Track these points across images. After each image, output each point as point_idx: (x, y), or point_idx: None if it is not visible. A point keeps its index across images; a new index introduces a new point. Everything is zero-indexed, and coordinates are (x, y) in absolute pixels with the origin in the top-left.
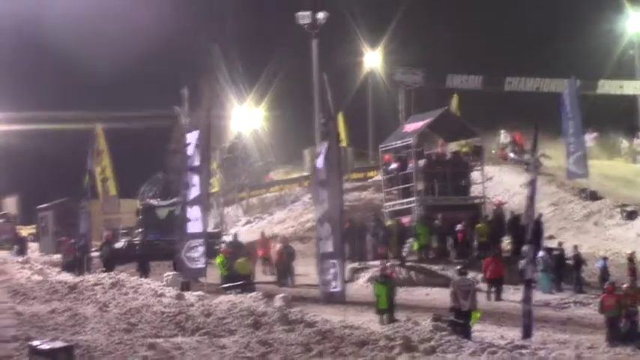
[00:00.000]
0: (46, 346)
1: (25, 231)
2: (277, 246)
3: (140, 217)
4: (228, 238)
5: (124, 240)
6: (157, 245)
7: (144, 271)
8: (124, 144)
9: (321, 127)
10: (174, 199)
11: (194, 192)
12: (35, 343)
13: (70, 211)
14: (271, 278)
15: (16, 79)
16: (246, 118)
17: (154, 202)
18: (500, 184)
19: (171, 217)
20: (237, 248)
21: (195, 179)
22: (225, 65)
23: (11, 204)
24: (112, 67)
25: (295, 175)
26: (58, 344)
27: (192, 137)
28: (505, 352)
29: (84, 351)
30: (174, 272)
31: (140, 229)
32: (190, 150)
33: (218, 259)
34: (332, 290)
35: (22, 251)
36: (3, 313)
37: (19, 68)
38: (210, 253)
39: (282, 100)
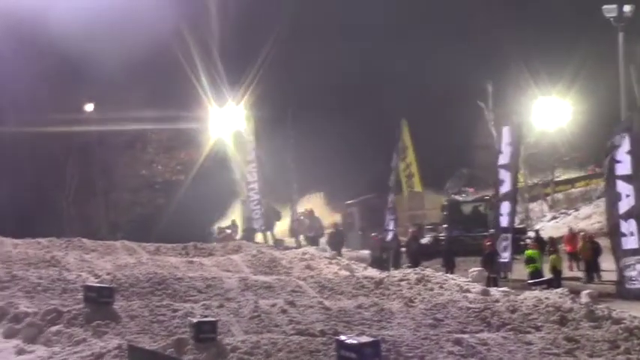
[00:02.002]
0: (353, 341)
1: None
2: (584, 242)
3: (445, 212)
4: (532, 234)
5: (429, 235)
6: (462, 241)
7: (449, 267)
8: (429, 139)
9: (625, 120)
10: (480, 195)
11: (505, 188)
12: (342, 337)
13: (376, 207)
14: (577, 274)
15: (327, 80)
16: (551, 113)
17: (459, 197)
18: None
19: (477, 213)
20: (541, 244)
21: (506, 176)
22: (528, 58)
23: (317, 201)
24: (412, 64)
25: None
26: (365, 339)
27: (504, 133)
28: None
29: (390, 346)
30: (480, 268)
31: (445, 225)
32: (503, 147)
33: (527, 254)
34: (638, 287)
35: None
36: (311, 308)
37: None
38: (516, 249)
39: (587, 94)
